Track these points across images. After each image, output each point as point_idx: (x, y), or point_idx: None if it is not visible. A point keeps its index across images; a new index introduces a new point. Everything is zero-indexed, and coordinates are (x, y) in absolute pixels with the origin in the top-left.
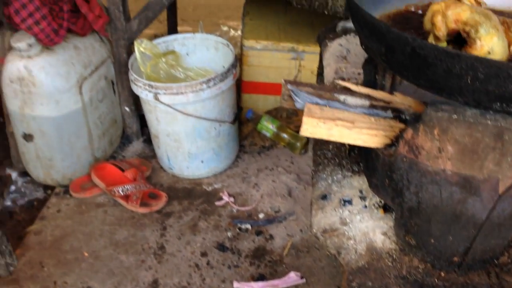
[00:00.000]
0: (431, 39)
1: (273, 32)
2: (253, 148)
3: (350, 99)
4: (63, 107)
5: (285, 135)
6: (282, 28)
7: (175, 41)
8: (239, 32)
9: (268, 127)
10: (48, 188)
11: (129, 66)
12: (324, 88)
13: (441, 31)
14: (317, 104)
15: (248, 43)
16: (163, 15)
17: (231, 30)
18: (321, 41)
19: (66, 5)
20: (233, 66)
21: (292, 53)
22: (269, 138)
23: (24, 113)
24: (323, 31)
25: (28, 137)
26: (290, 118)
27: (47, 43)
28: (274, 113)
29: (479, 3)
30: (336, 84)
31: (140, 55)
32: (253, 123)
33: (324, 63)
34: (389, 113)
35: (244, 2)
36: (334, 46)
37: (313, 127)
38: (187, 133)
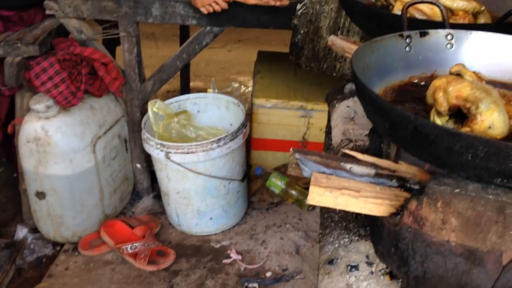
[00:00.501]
0: (433, 114)
1: (283, 91)
2: (262, 204)
3: (356, 168)
4: (76, 166)
5: (293, 192)
6: (292, 86)
7: (187, 101)
8: (250, 88)
9: (277, 183)
10: (57, 245)
11: (142, 126)
12: (331, 157)
13: (443, 107)
14: (323, 173)
15: (258, 101)
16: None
17: (242, 86)
18: (330, 102)
19: (84, 69)
20: (243, 125)
21: (301, 111)
22: (278, 195)
23: (38, 172)
24: (331, 92)
25: (40, 195)
26: None
27: (65, 105)
28: (282, 170)
29: (480, 78)
30: (343, 153)
31: (153, 115)
32: (262, 179)
33: (332, 123)
34: (394, 182)
35: (255, 61)
36: (342, 108)
37: (319, 195)
38: (197, 191)
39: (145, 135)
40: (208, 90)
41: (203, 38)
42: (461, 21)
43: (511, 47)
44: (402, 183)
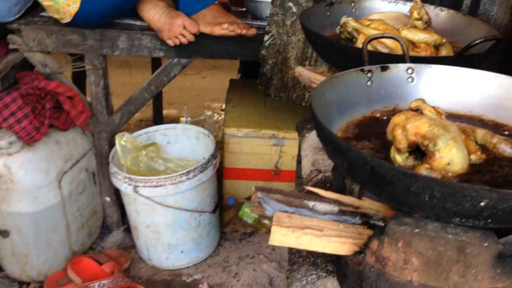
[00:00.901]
0: (393, 151)
1: (255, 119)
2: (235, 235)
3: (319, 205)
4: (41, 202)
5: (266, 222)
6: (264, 114)
7: (157, 132)
8: (223, 116)
9: (250, 213)
10: (23, 284)
11: (110, 159)
12: (294, 195)
13: (402, 145)
14: (286, 212)
15: (229, 131)
16: None
17: (215, 114)
18: (300, 131)
19: (49, 103)
20: (213, 156)
21: (273, 139)
22: (251, 225)
23: (1, 209)
24: (301, 121)
25: (4, 233)
26: None
27: (28, 140)
28: None
29: (439, 113)
30: (306, 190)
31: (121, 148)
32: (235, 209)
33: (302, 153)
34: (358, 219)
35: (227, 89)
36: (312, 137)
37: (282, 236)
38: (167, 224)
39: (112, 168)
40: (181, 118)
41: (171, 70)
42: (423, 53)
43: (470, 80)
44: (366, 219)
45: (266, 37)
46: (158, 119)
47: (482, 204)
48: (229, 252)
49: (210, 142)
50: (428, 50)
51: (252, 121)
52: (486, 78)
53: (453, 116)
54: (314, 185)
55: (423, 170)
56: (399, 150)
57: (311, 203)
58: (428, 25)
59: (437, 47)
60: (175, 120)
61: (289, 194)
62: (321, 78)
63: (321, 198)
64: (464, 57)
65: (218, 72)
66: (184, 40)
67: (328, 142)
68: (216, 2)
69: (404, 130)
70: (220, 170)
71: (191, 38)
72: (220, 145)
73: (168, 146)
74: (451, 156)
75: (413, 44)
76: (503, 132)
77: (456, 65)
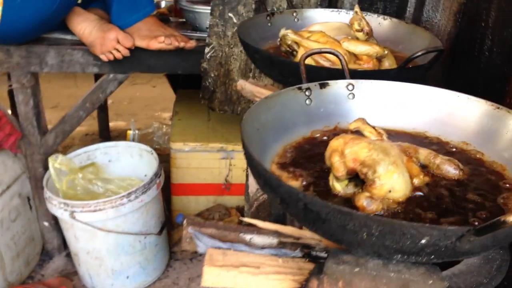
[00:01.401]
0: (331, 179)
1: (202, 132)
2: (185, 254)
3: (257, 238)
4: None
5: None
6: (212, 127)
7: (97, 151)
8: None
9: None
10: None
11: (44, 183)
12: (229, 228)
13: (340, 172)
14: (220, 248)
15: (175, 145)
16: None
17: (164, 126)
18: None
19: None
20: (156, 175)
21: (222, 152)
22: None
23: None
24: None
25: None
26: (222, 219)
27: None
28: (206, 215)
29: (380, 134)
30: (243, 221)
31: (55, 171)
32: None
33: (249, 170)
34: (298, 252)
35: (174, 101)
36: None
37: (215, 276)
38: (109, 249)
39: (47, 193)
40: (128, 132)
41: (107, 86)
42: (365, 66)
43: (412, 95)
44: (308, 251)
45: (207, 49)
46: (104, 133)
47: (423, 241)
48: (179, 273)
49: (154, 159)
50: (370, 62)
51: (199, 134)
52: (428, 93)
53: (396, 134)
54: (260, 205)
55: (363, 199)
56: (337, 178)
57: (248, 236)
58: (369, 36)
59: (379, 58)
60: (122, 133)
61: (224, 228)
62: (264, 92)
63: (259, 230)
64: (406, 70)
65: None
66: (118, 55)
67: (258, 175)
68: (152, 14)
69: (342, 156)
70: (168, 186)
71: (126, 52)
72: (162, 166)
73: (110, 165)
74: (392, 183)
75: (355, 56)
76: (451, 149)
77: (398, 78)
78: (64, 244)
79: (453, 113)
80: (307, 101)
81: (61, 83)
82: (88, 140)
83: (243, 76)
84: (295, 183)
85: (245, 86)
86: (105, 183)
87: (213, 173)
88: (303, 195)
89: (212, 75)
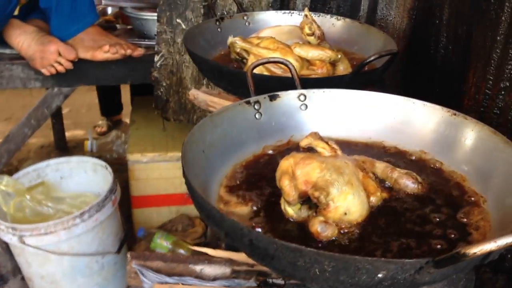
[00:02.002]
0: (283, 202)
1: (160, 141)
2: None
3: (208, 269)
4: None
5: (182, 251)
6: (170, 135)
7: (47, 168)
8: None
9: (162, 244)
10: None
11: None
12: (178, 259)
13: (291, 197)
14: (167, 283)
15: (133, 157)
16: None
17: (123, 134)
18: None
19: None
20: (111, 191)
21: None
22: None
23: None
24: None
25: None
26: (186, 230)
27: None
28: (169, 227)
29: (333, 149)
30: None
31: (1, 193)
32: (146, 241)
33: None
34: (252, 282)
35: (131, 109)
36: None
37: None
38: (64, 273)
39: None
40: (86, 142)
41: (52, 101)
42: (319, 71)
43: (366, 103)
44: (263, 279)
45: (156, 58)
46: (60, 144)
47: (380, 275)
48: None
49: (108, 174)
50: (324, 67)
51: (157, 144)
52: (382, 100)
53: (352, 145)
54: None
55: (317, 224)
56: (289, 203)
57: (198, 267)
58: (321, 40)
59: (333, 63)
60: (81, 143)
61: (172, 259)
62: (218, 101)
63: (210, 259)
64: (361, 74)
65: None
66: (60, 69)
67: (199, 208)
68: (96, 23)
69: (293, 178)
70: (128, 199)
71: (69, 65)
72: (117, 181)
73: (62, 182)
74: (347, 205)
75: (308, 61)
76: (410, 157)
77: (353, 83)
78: (18, 267)
79: (410, 121)
80: (257, 115)
81: (15, 92)
82: (44, 152)
83: (196, 84)
84: (245, 209)
85: (198, 95)
86: (56, 203)
87: (174, 183)
88: (247, 231)
89: (164, 84)
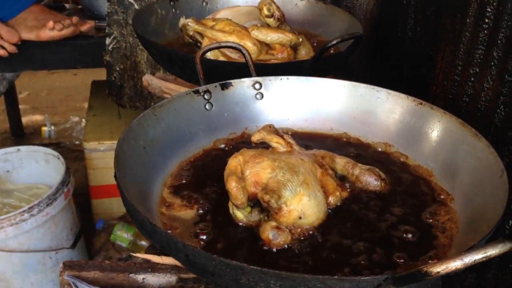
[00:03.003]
0: (231, 206)
1: (119, 128)
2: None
3: (151, 278)
4: None
5: (144, 243)
6: (130, 120)
7: None
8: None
9: (123, 236)
10: None
11: None
12: (118, 268)
13: (239, 200)
14: None
15: (89, 145)
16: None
17: (83, 120)
18: None
19: None
20: (64, 183)
21: None
22: (126, 248)
23: None
24: None
25: None
26: None
27: None
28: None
29: (289, 144)
30: (135, 258)
31: None
32: (106, 233)
33: None
34: None
35: (89, 94)
36: None
37: None
38: (15, 270)
39: None
40: (43, 128)
41: None
42: (279, 56)
43: (327, 91)
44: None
45: (108, 40)
46: (17, 130)
47: None
48: None
49: (61, 165)
50: (284, 52)
51: (116, 130)
52: (343, 89)
53: (311, 138)
54: None
55: (268, 230)
56: (237, 206)
57: (140, 277)
58: (281, 22)
59: (294, 47)
60: (39, 129)
61: (110, 268)
62: (174, 87)
63: (154, 266)
64: (323, 59)
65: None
66: (3, 53)
67: (132, 217)
68: (39, 1)
69: (242, 179)
70: (88, 190)
71: (12, 49)
72: (70, 173)
73: (13, 172)
74: (301, 208)
75: (267, 45)
76: (374, 150)
77: (315, 69)
78: None
79: (374, 111)
80: (207, 106)
81: None
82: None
83: (152, 69)
84: (190, 213)
85: (152, 81)
86: (4, 197)
87: None
88: (182, 246)
89: (118, 68)
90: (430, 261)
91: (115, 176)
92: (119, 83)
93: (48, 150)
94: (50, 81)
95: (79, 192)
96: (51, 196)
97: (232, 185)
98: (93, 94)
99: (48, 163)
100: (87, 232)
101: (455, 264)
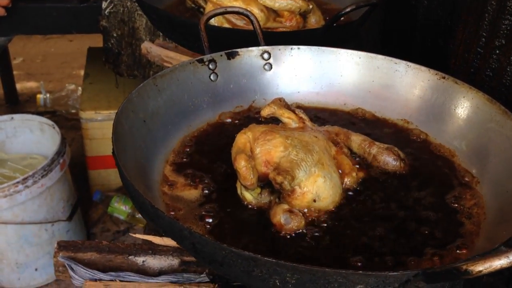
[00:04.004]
0: (239, 186)
1: (117, 97)
2: (106, 235)
3: (152, 261)
4: None
5: (141, 216)
6: (128, 90)
7: None
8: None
9: (121, 208)
10: None
11: None
12: (116, 248)
13: (248, 181)
14: (100, 280)
15: (86, 115)
16: None
17: (79, 88)
18: None
19: None
20: (59, 154)
21: None
22: (124, 221)
23: None
24: None
25: None
26: None
27: None
28: None
29: (302, 119)
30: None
31: None
32: (104, 205)
33: None
34: (205, 277)
35: (86, 61)
36: None
37: None
38: (10, 242)
39: None
40: (38, 95)
41: None
42: (287, 24)
43: (340, 62)
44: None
45: (104, 4)
46: (11, 97)
47: None
48: None
49: (56, 134)
50: (293, 19)
51: (114, 100)
52: (359, 60)
53: (323, 113)
54: None
55: (280, 213)
56: (246, 187)
57: (140, 259)
58: None
59: (304, 15)
60: (34, 97)
61: (109, 249)
62: (174, 56)
63: (155, 248)
64: (334, 28)
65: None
66: None
67: (132, 198)
68: None
69: (251, 158)
70: (84, 160)
71: (1, 12)
72: (66, 142)
73: (6, 142)
74: (316, 190)
75: (275, 13)
76: (391, 127)
77: (326, 38)
78: None
79: (391, 85)
80: (212, 76)
81: None
82: None
83: (151, 35)
84: (194, 193)
85: (151, 49)
86: None
87: None
88: (188, 233)
89: (115, 34)
90: (458, 251)
91: (113, 153)
92: (116, 50)
93: (43, 119)
94: (45, 47)
95: (75, 162)
96: (46, 167)
97: (241, 164)
98: (89, 61)
99: (43, 132)
100: (84, 204)
101: (501, 262)
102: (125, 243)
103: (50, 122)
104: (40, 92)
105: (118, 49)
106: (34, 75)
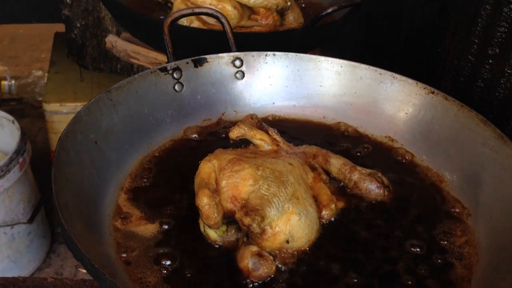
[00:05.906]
0: (202, 224)
1: (84, 88)
2: None
3: None
4: None
5: None
6: (96, 80)
7: None
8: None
9: None
10: None
11: None
12: (64, 287)
13: (212, 220)
14: None
15: (50, 107)
16: None
17: (46, 75)
18: None
19: None
20: (18, 153)
21: None
22: None
23: None
24: None
25: None
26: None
27: None
28: None
29: (275, 141)
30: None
31: None
32: None
33: None
34: None
35: (52, 48)
36: None
37: None
38: None
39: None
40: (3, 82)
41: None
42: (263, 21)
43: (320, 72)
44: None
45: None
46: None
47: None
48: (64, 259)
49: (16, 130)
50: (269, 17)
51: (81, 91)
52: (341, 69)
53: (301, 127)
54: None
55: (248, 256)
56: (210, 226)
57: None
58: None
59: (281, 12)
60: None
61: (54, 286)
62: (142, 51)
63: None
64: (315, 29)
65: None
66: None
67: (75, 255)
68: None
69: (216, 192)
70: (49, 155)
71: None
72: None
73: None
74: (290, 229)
75: (251, 10)
76: (373, 145)
77: (305, 40)
78: None
79: (374, 98)
80: (177, 87)
81: None
82: None
83: (118, 27)
84: (150, 228)
85: (117, 43)
86: None
87: None
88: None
89: (78, 25)
90: None
91: (51, 191)
92: (80, 42)
93: (2, 113)
94: (13, 29)
95: (42, 154)
96: (4, 167)
97: (204, 202)
98: (56, 48)
99: (2, 127)
100: (48, 203)
101: None
102: (74, 280)
103: (10, 117)
104: (5, 78)
105: (82, 40)
106: (1, 59)
